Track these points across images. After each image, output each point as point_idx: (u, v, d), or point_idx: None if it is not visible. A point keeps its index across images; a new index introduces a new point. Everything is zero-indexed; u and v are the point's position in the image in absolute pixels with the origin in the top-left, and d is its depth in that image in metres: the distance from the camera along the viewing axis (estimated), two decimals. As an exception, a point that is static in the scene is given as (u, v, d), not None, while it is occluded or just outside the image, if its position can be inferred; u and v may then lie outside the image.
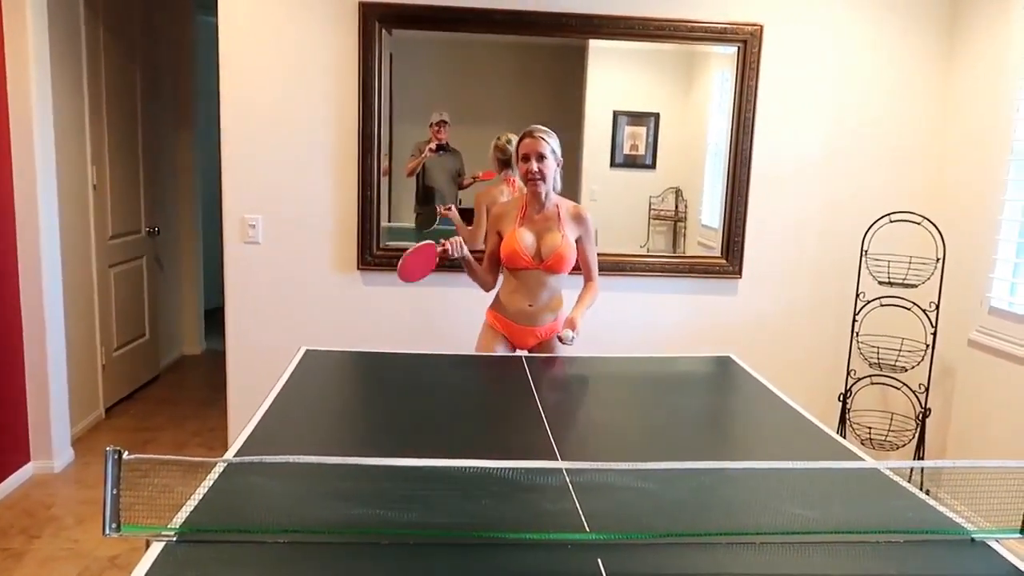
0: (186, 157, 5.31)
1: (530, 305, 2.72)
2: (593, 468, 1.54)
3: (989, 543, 1.42)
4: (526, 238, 2.66)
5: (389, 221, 3.53)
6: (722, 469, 1.62)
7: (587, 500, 1.50)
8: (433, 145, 3.51)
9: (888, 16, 3.49)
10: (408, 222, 3.63)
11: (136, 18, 4.47)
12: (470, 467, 1.52)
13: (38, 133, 3.29)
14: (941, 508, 1.55)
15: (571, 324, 2.59)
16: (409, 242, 3.55)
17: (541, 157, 2.59)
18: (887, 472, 1.72)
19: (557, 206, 2.69)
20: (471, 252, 2.75)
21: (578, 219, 2.71)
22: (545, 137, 2.61)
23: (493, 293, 2.86)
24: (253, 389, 3.31)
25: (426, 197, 3.60)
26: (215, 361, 5.12)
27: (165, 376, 5.01)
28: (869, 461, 1.77)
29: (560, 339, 2.58)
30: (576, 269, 2.78)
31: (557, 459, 1.73)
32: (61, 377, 3.55)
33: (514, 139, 3.13)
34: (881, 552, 1.38)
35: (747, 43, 3.42)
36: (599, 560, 1.30)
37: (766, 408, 2.25)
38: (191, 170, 5.34)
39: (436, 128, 3.50)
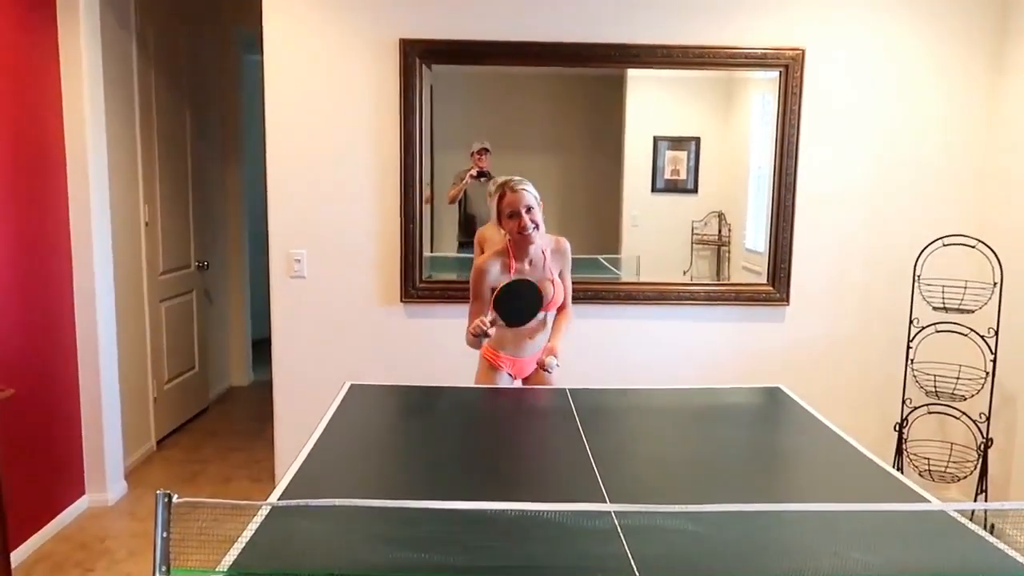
0: (234, 193, 5.43)
1: (529, 338, 2.74)
2: (642, 511, 1.51)
3: (1065, 591, 1.34)
4: None
5: (432, 251, 3.55)
6: (778, 511, 1.57)
7: (637, 544, 1.46)
8: (474, 172, 3.53)
9: (933, 35, 3.42)
10: (450, 251, 3.65)
11: (185, 60, 4.62)
12: (516, 510, 1.50)
13: (93, 173, 3.40)
14: (1012, 552, 1.48)
15: (552, 352, 2.62)
16: (450, 274, 3.57)
17: (529, 209, 2.57)
18: (953, 514, 1.65)
19: (543, 251, 2.68)
20: None
21: (560, 253, 2.74)
22: (526, 188, 2.59)
23: None
24: (299, 422, 3.35)
25: (468, 225, 3.62)
26: (262, 393, 5.18)
27: (214, 407, 5.09)
28: (935, 503, 1.70)
29: (545, 368, 2.57)
30: None
31: (605, 500, 1.69)
32: (115, 411, 3.63)
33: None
34: (948, 600, 1.32)
35: (789, 68, 3.37)
36: (650, 608, 1.26)
37: (820, 443, 2.18)
38: (239, 205, 5.47)
39: (478, 156, 3.53)
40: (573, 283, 3.38)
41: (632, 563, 1.40)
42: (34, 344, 3.16)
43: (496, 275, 2.64)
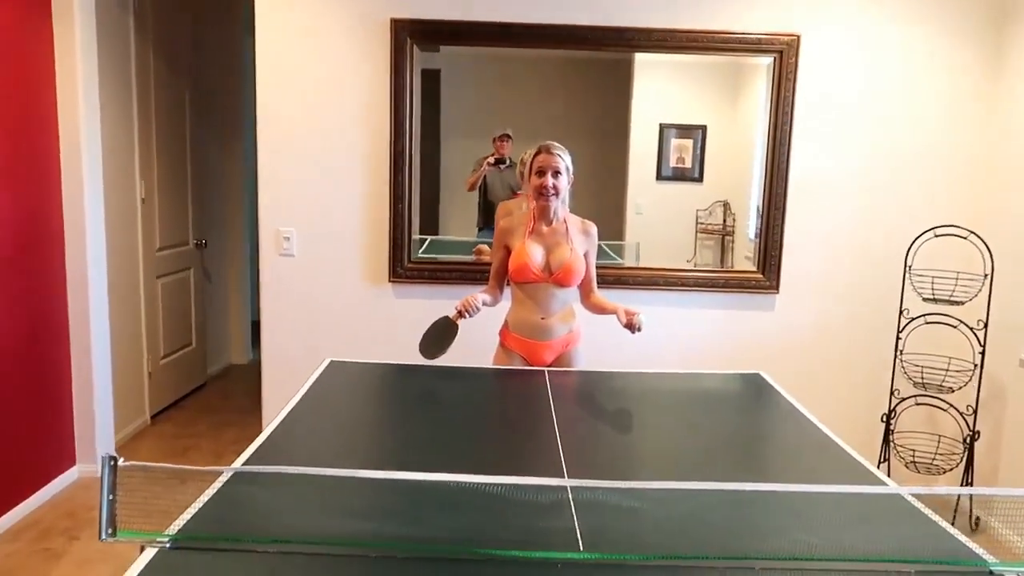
0: (234, 171, 5.45)
1: (542, 318, 2.69)
2: (593, 487, 1.51)
3: (1009, 576, 1.34)
4: (535, 252, 2.64)
5: (433, 233, 3.58)
6: (727, 490, 1.57)
7: (587, 519, 1.47)
8: (492, 159, 3.52)
9: (930, 24, 3.37)
10: (465, 235, 3.66)
11: (185, 37, 4.63)
12: (469, 482, 1.50)
13: (86, 149, 3.43)
14: (961, 538, 1.47)
15: (632, 312, 2.55)
16: (464, 255, 3.58)
17: (556, 173, 2.60)
18: (909, 498, 1.64)
19: (565, 221, 2.69)
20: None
21: (586, 235, 2.73)
22: (561, 154, 2.62)
23: (502, 315, 2.82)
24: (287, 399, 3.36)
25: (488, 210, 3.60)
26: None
27: (212, 384, 5.14)
28: (892, 486, 1.69)
29: (638, 328, 2.52)
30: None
31: (563, 476, 1.70)
32: (106, 385, 3.67)
33: None
34: (890, 583, 1.32)
35: (783, 53, 3.34)
36: (588, 581, 1.27)
37: (790, 429, 2.18)
38: (239, 184, 5.49)
39: (499, 142, 3.51)
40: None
41: (579, 537, 1.40)
42: (25, 317, 3.20)
43: (517, 235, 2.68)
